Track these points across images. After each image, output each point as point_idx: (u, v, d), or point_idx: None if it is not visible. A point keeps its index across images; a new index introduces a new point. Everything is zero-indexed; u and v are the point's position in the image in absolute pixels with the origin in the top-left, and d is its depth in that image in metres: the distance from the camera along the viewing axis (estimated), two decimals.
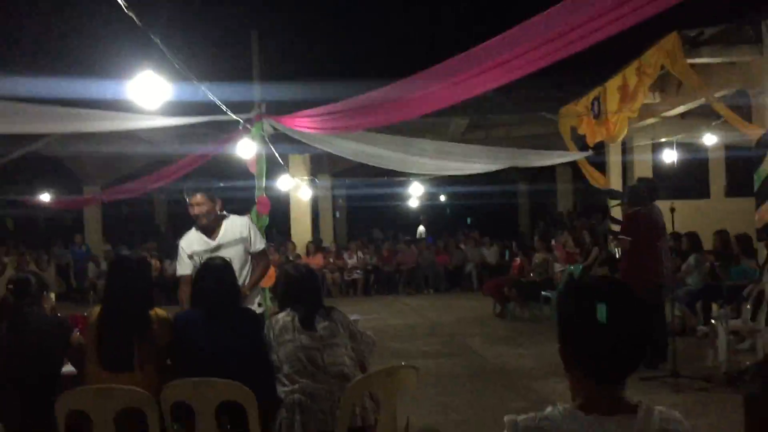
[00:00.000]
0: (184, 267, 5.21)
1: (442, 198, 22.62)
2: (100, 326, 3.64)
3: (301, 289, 4.00)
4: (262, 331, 3.86)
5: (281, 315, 3.90)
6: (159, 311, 3.75)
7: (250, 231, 5.32)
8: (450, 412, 5.96)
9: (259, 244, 5.37)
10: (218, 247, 5.15)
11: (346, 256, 17.21)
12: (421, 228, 21.77)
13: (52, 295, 4.66)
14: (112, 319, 3.65)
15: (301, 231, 17.02)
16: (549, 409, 1.64)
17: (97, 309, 3.75)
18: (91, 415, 3.33)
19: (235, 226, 5.29)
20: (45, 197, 12.94)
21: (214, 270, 3.94)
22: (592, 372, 1.62)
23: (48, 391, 3.48)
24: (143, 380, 3.50)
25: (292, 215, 16.89)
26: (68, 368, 3.92)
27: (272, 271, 7.20)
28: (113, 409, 3.34)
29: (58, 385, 3.60)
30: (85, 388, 3.46)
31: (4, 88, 5.92)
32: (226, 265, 4.01)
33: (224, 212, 5.36)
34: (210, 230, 5.21)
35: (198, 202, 5.11)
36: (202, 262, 4.42)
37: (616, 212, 10.65)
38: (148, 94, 4.55)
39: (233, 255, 4.92)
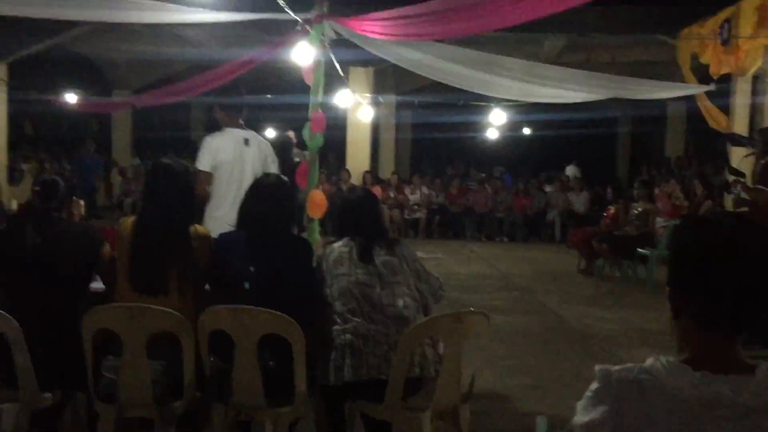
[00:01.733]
0: None
1: (526, 131, 21.98)
2: (134, 241, 3.75)
3: (359, 216, 4.05)
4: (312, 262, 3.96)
5: (337, 245, 3.95)
6: (199, 228, 3.85)
7: None
8: (520, 375, 6.03)
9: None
10: None
11: (408, 191, 17.27)
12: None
13: (81, 202, 4.85)
14: (147, 233, 3.76)
15: (358, 158, 16.77)
16: (650, 360, 1.62)
17: (129, 221, 3.85)
18: (122, 335, 3.49)
19: None
20: (70, 98, 13.12)
21: (267, 188, 3.99)
22: (704, 318, 1.60)
23: (74, 305, 3.64)
24: (179, 305, 3.62)
25: (349, 139, 16.68)
26: (97, 284, 4.08)
27: (322, 201, 7.31)
28: (146, 331, 3.48)
29: (85, 300, 3.77)
30: (116, 306, 3.62)
31: None
32: (281, 183, 4.07)
33: None
34: None
35: None
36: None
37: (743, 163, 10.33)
38: None
39: None
